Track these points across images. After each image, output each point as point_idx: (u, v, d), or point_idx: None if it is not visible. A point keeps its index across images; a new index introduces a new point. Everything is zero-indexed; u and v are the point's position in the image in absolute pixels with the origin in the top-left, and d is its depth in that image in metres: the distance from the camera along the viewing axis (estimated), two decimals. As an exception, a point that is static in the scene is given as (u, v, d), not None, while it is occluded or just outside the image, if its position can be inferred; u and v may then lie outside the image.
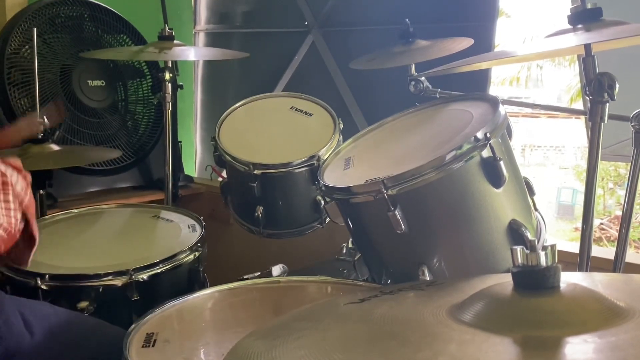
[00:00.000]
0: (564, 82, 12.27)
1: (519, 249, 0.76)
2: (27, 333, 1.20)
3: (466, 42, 1.80)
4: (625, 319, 0.68)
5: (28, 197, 1.19)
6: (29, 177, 1.22)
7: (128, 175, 2.67)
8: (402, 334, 0.73)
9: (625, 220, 1.38)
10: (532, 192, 1.32)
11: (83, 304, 1.43)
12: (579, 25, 1.22)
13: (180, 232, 1.75)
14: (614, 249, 1.41)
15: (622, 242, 1.38)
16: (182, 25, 3.27)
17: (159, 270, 1.53)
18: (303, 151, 1.74)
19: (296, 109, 1.94)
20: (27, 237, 1.21)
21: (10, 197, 1.12)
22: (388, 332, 0.74)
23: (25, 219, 1.18)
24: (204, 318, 1.29)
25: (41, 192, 2.00)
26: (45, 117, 1.85)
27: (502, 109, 1.24)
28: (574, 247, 1.52)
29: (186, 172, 2.95)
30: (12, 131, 1.71)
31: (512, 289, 0.75)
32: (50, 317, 1.28)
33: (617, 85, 1.20)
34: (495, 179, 1.16)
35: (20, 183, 1.17)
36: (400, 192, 1.15)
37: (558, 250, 0.76)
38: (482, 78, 2.39)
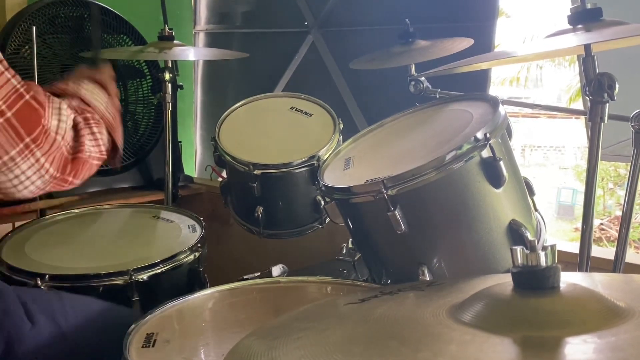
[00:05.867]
0: (563, 82, 12.27)
1: (518, 249, 0.76)
2: (27, 321, 1.20)
3: (466, 42, 1.80)
4: (625, 319, 0.68)
5: (113, 112, 1.27)
6: (115, 91, 1.32)
7: (128, 175, 2.67)
8: (402, 334, 0.73)
9: (625, 221, 1.38)
10: (532, 192, 1.32)
11: (83, 304, 1.43)
12: (579, 26, 1.22)
13: (180, 233, 1.75)
14: (613, 249, 1.41)
15: (622, 243, 1.38)
16: (182, 26, 3.27)
17: (159, 271, 1.53)
18: (303, 151, 1.74)
19: (296, 109, 1.93)
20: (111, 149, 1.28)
21: (95, 129, 1.18)
22: (388, 333, 0.74)
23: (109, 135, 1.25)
24: (204, 318, 1.29)
25: (41, 192, 1.99)
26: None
27: (502, 109, 1.24)
28: (574, 248, 1.52)
29: (186, 172, 2.95)
30: None
31: (512, 289, 0.75)
32: (53, 303, 1.27)
33: (617, 86, 1.20)
34: (495, 179, 1.16)
35: (104, 101, 1.26)
36: (400, 192, 1.15)
37: (558, 251, 0.76)
38: (482, 78, 2.39)
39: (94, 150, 1.17)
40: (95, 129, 1.19)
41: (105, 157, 1.22)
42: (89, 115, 1.19)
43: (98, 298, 1.44)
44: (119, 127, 1.29)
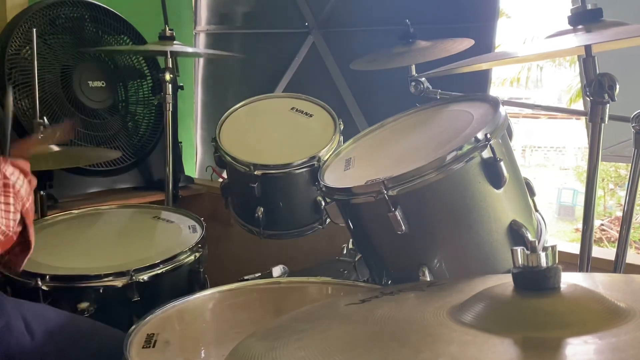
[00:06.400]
0: (564, 83, 12.26)
1: (519, 249, 0.76)
2: (27, 336, 1.20)
3: (467, 43, 1.80)
4: (625, 320, 0.68)
5: (30, 203, 1.19)
6: (34, 182, 1.23)
7: (128, 176, 2.67)
8: (402, 334, 0.73)
9: (626, 221, 1.38)
10: (532, 193, 1.32)
11: (83, 305, 1.43)
12: (580, 26, 1.22)
13: (180, 233, 1.75)
14: (614, 250, 1.41)
15: (622, 243, 1.38)
16: (183, 26, 3.27)
17: (159, 271, 1.53)
18: (303, 152, 1.74)
19: (297, 110, 1.94)
20: (23, 242, 1.21)
21: (11, 200, 1.13)
22: (388, 333, 0.74)
23: (23, 223, 1.18)
24: (204, 319, 1.29)
25: (41, 192, 2.00)
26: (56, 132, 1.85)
27: (503, 109, 1.24)
28: (575, 248, 1.52)
29: (186, 173, 2.95)
30: (29, 143, 1.70)
31: (512, 289, 0.75)
32: (52, 319, 1.28)
33: (618, 86, 1.20)
34: (496, 179, 1.16)
35: (25, 187, 1.18)
36: (400, 193, 1.15)
37: (558, 251, 0.76)
38: (482, 79, 2.39)
39: (1, 222, 1.09)
40: (11, 200, 1.12)
41: (9, 237, 1.13)
42: (8, 183, 1.13)
43: (98, 299, 1.45)
44: (31, 224, 1.21)
